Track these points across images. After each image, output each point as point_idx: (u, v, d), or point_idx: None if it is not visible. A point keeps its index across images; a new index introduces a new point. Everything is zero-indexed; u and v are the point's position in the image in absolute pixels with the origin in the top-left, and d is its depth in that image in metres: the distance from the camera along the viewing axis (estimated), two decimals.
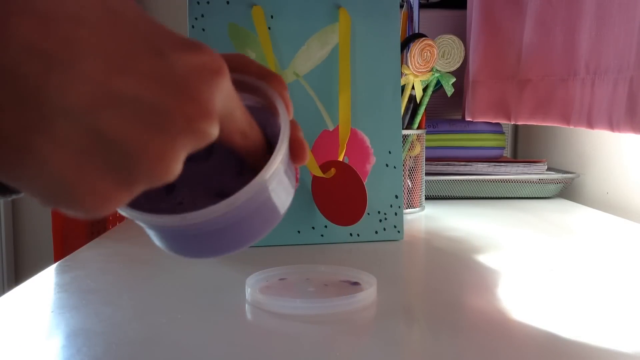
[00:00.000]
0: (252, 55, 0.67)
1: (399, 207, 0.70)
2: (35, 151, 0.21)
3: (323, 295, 0.49)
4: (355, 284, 0.51)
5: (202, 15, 0.67)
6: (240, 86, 0.32)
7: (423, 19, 1.04)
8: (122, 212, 0.29)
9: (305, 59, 0.68)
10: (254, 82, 0.32)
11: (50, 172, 0.22)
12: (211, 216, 0.28)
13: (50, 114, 0.21)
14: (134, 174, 0.23)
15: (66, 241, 1.21)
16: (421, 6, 1.07)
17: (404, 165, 0.86)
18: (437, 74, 0.87)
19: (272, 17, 0.68)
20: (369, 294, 0.48)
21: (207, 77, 0.24)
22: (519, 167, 1.00)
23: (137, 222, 0.29)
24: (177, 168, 0.24)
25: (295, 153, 0.32)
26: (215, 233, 0.30)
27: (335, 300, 0.46)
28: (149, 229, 0.30)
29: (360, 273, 0.52)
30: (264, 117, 0.32)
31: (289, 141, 0.31)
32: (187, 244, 0.31)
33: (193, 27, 0.67)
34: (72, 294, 0.51)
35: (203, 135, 0.24)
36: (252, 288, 0.48)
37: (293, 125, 0.32)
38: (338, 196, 0.67)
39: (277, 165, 0.29)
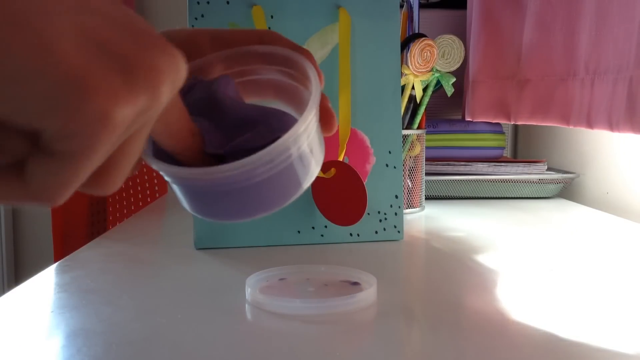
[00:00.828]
0: None
1: (399, 207, 0.70)
2: (38, 30, 0.20)
3: (323, 295, 0.49)
4: (355, 284, 0.51)
5: (202, 15, 0.67)
6: (270, 59, 0.33)
7: (423, 19, 1.04)
8: (151, 163, 0.29)
9: None
10: (285, 52, 0.33)
11: (57, 59, 0.21)
12: (242, 169, 0.28)
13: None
14: (134, 80, 0.23)
15: (66, 241, 1.22)
16: (421, 6, 1.07)
17: (404, 165, 0.86)
18: (437, 74, 0.87)
19: (272, 17, 0.68)
20: (369, 294, 0.48)
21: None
22: (519, 167, 1.00)
23: (165, 175, 0.30)
24: (166, 93, 0.24)
25: (325, 121, 0.34)
26: (242, 191, 0.29)
27: (335, 300, 0.46)
28: (176, 185, 0.30)
29: (360, 273, 0.52)
30: (291, 91, 0.33)
31: (319, 109, 0.31)
32: (210, 203, 0.31)
33: (193, 27, 0.67)
34: (72, 294, 0.51)
35: (181, 72, 0.25)
36: (252, 288, 0.48)
37: (322, 95, 0.33)
38: (338, 196, 0.67)
39: (309, 122, 0.29)
